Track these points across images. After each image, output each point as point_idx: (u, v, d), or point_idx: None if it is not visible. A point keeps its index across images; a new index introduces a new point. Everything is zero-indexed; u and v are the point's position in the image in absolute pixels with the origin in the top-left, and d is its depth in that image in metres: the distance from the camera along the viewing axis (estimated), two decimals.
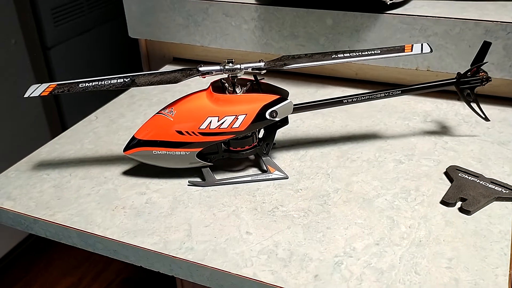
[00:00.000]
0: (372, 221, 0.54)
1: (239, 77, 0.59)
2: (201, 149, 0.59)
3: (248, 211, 0.57)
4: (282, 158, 0.66)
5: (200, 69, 0.58)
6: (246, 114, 0.58)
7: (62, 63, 1.85)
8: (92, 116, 0.80)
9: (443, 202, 0.57)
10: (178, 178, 0.63)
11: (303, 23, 0.80)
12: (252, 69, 0.59)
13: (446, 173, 0.61)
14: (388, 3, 0.73)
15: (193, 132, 0.58)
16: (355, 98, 0.62)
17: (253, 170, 0.64)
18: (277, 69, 0.58)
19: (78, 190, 0.62)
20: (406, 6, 0.77)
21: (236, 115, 0.58)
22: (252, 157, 0.66)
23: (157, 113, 0.60)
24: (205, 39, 0.89)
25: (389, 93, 0.63)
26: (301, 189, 0.60)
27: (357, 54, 0.59)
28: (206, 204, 0.58)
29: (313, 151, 0.67)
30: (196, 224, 0.55)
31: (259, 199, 0.59)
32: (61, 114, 1.89)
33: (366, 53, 0.59)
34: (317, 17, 0.79)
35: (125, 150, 0.61)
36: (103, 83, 0.58)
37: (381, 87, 0.81)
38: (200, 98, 0.59)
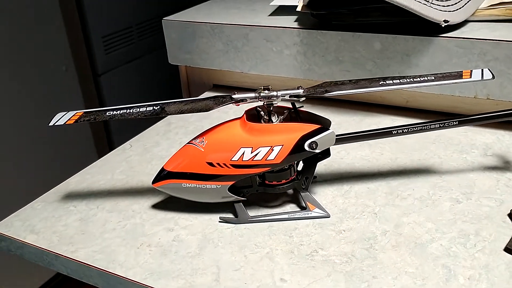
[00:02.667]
0: (425, 270, 0.47)
1: (275, 105, 0.54)
2: (233, 182, 0.54)
3: (283, 253, 0.51)
4: (323, 194, 0.60)
5: (234, 96, 0.54)
6: (283, 145, 0.53)
7: (111, 90, 1.87)
8: (126, 144, 0.77)
9: (508, 250, 0.49)
10: (209, 213, 0.58)
11: (348, 47, 0.75)
12: (290, 97, 0.54)
13: (510, 215, 0.54)
14: (443, 25, 0.67)
15: (224, 164, 0.54)
16: (406, 129, 0.56)
17: (290, 207, 0.58)
18: (317, 96, 0.53)
19: (104, 224, 0.58)
20: (462, 29, 0.71)
21: (271, 146, 0.53)
22: (290, 192, 0.60)
23: (188, 143, 0.56)
24: (245, 65, 0.85)
25: (444, 124, 0.56)
26: (344, 230, 0.54)
27: (408, 80, 0.53)
28: (237, 244, 0.53)
29: (359, 187, 0.61)
30: (226, 267, 0.50)
31: (296, 240, 0.53)
32: (110, 143, 1.91)
33: (419, 79, 0.53)
34: (364, 41, 0.74)
35: (153, 182, 0.57)
36: (131, 111, 0.54)
37: (434, 116, 0.75)
38: (233, 128, 0.54)
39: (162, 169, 0.56)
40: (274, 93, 0.53)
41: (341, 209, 0.57)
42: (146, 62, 1.99)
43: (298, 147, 0.53)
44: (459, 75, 0.54)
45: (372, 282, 0.47)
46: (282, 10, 0.87)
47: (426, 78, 0.53)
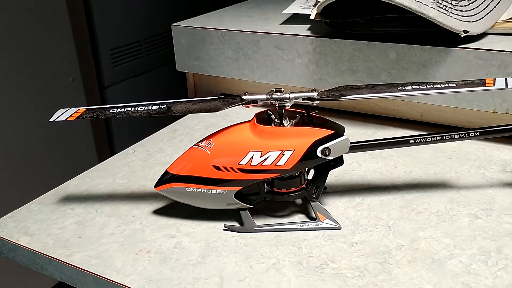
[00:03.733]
0: (444, 287, 0.44)
1: (287, 108, 0.51)
2: (240, 188, 0.52)
3: (291, 265, 0.48)
4: (334, 205, 0.57)
5: (244, 97, 0.51)
6: (294, 150, 0.50)
7: (117, 102, 1.86)
8: (129, 149, 0.74)
9: None
10: (213, 220, 0.55)
11: (363, 57, 0.73)
12: (303, 100, 0.51)
13: None
14: (462, 35, 0.65)
15: (232, 168, 0.51)
16: (424, 138, 0.53)
17: (299, 217, 0.55)
18: (332, 99, 0.50)
19: (102, 229, 0.55)
20: (482, 41, 0.68)
21: (282, 151, 0.50)
22: (299, 201, 0.57)
23: (194, 145, 0.54)
24: (254, 74, 0.83)
25: (464, 135, 0.53)
26: (356, 243, 0.50)
27: (428, 86, 0.51)
28: (242, 253, 0.50)
29: (372, 199, 0.58)
30: (229, 277, 0.47)
31: (305, 252, 0.50)
32: (112, 148, 1.88)
33: (439, 86, 0.51)
34: (379, 50, 0.71)
35: (156, 185, 0.54)
36: (135, 109, 0.51)
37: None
38: (242, 130, 0.52)
39: (166, 172, 0.53)
40: (287, 95, 0.51)
41: (353, 221, 0.54)
42: (152, 76, 1.97)
43: (310, 153, 0.50)
44: (482, 83, 0.51)
45: None
46: (295, 19, 0.85)
47: (447, 85, 0.51)
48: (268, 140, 0.50)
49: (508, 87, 0.50)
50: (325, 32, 0.76)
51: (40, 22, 1.55)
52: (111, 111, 0.52)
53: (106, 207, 0.59)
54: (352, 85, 0.53)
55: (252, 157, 0.50)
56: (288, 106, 0.51)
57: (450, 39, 0.67)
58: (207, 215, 0.55)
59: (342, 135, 0.51)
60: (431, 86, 0.51)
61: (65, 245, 0.52)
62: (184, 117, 0.84)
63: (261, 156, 0.50)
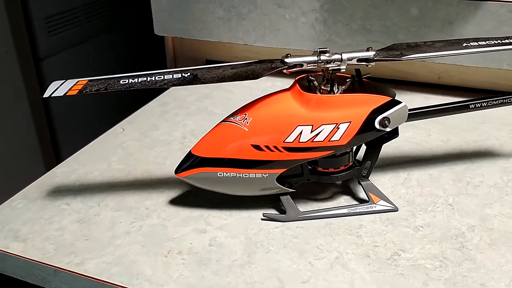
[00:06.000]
0: None
1: (342, 71, 0.43)
2: (284, 170, 0.43)
3: (357, 258, 0.41)
4: (379, 183, 0.50)
5: (287, 60, 0.42)
6: (350, 122, 0.42)
7: (55, 76, 1.69)
8: (117, 127, 0.63)
9: None
10: (245, 209, 0.46)
11: (379, 14, 0.65)
12: (357, 61, 0.43)
13: None
14: None
15: (275, 147, 0.42)
16: (484, 102, 0.47)
17: (345, 199, 0.48)
18: (391, 59, 0.43)
19: (112, 227, 0.45)
20: None
21: (337, 124, 0.42)
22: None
23: (224, 121, 0.44)
24: (249, 36, 0.74)
25: None
26: (421, 227, 0.44)
27: (495, 42, 0.44)
28: (294, 247, 0.42)
29: (418, 173, 0.51)
30: (289, 278, 0.39)
31: (367, 241, 0.42)
32: (52, 133, 1.72)
33: (507, 41, 0.44)
34: (399, 6, 0.64)
35: (178, 171, 0.44)
36: (153, 79, 0.41)
37: (473, 94, 0.66)
38: (285, 101, 0.43)
39: (190, 155, 0.44)
40: (338, 56, 0.42)
41: (407, 200, 0.47)
42: (94, 46, 1.81)
43: (367, 125, 0.43)
44: None
45: None
46: None
47: None
48: (319, 112, 0.42)
49: None
50: None
51: None
52: (121, 81, 0.41)
53: (109, 199, 0.49)
54: (407, 43, 0.45)
55: (300, 132, 0.42)
56: (343, 69, 0.42)
57: None
58: (235, 202, 0.47)
59: (400, 102, 0.44)
60: (498, 42, 0.44)
61: (71, 251, 0.42)
62: (170, 88, 0.74)
63: (311, 131, 0.42)
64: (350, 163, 0.46)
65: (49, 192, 0.50)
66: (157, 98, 0.71)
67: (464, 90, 0.68)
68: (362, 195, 0.48)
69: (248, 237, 0.43)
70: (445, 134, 0.58)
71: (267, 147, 0.42)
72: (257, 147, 0.42)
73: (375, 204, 0.46)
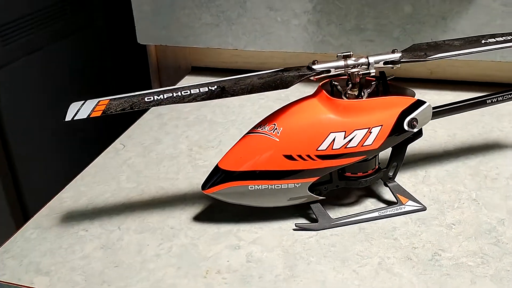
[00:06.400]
0: None
1: (371, 74, 0.42)
2: (316, 178, 0.43)
3: (400, 262, 0.40)
4: (400, 183, 0.49)
5: (314, 67, 0.42)
6: (382, 126, 0.42)
7: (12, 86, 1.61)
8: (117, 143, 0.61)
9: None
10: (273, 220, 0.46)
11: (373, 12, 0.65)
12: (384, 64, 0.43)
13: None
14: None
15: (308, 156, 0.41)
16: (500, 97, 0.48)
17: (370, 202, 0.48)
18: (417, 61, 0.43)
19: (140, 251, 0.43)
20: None
21: (369, 128, 0.42)
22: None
23: (251, 132, 0.43)
24: (240, 41, 0.72)
25: None
26: (453, 224, 0.44)
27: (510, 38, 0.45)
28: (335, 256, 0.41)
29: (435, 170, 0.52)
30: None
31: (405, 243, 0.42)
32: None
33: None
34: (393, 4, 0.64)
35: (206, 187, 0.43)
36: (179, 94, 0.40)
37: (467, 87, 0.68)
38: (315, 108, 0.42)
39: (218, 169, 0.43)
40: (364, 60, 0.42)
41: (432, 198, 0.48)
42: (49, 54, 1.74)
43: (397, 127, 0.42)
44: None
45: None
46: None
47: None
48: (351, 117, 0.41)
49: None
50: None
51: None
52: (146, 99, 0.39)
53: (129, 221, 0.47)
54: (427, 43, 0.45)
55: (334, 139, 0.41)
56: (373, 73, 0.42)
57: None
58: (262, 214, 0.46)
59: (424, 101, 0.44)
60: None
61: (103, 280, 0.40)
62: None
63: (345, 137, 0.41)
64: (377, 166, 0.46)
65: (62, 219, 0.47)
66: (151, 110, 0.68)
67: (457, 83, 0.69)
68: (387, 196, 0.48)
69: (284, 249, 0.42)
70: (450, 128, 0.59)
71: (300, 156, 0.41)
72: (290, 157, 0.41)
73: (404, 205, 0.46)
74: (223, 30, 0.72)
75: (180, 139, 0.61)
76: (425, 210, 0.46)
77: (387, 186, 0.46)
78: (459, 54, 0.43)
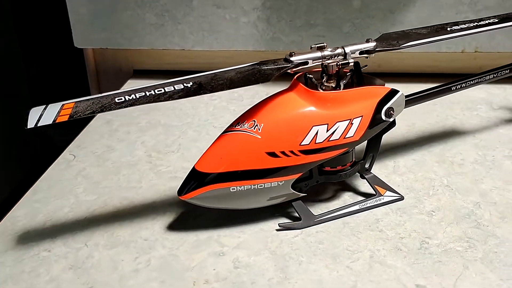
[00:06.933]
0: None
1: (350, 65, 0.41)
2: (300, 174, 0.41)
3: (391, 253, 0.40)
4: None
5: (293, 59, 0.40)
6: (362, 116, 0.41)
7: None
8: (66, 154, 0.56)
9: None
10: (252, 222, 0.43)
11: (322, 8, 0.65)
12: (360, 53, 0.42)
13: None
14: None
15: (292, 152, 0.40)
16: (463, 83, 0.49)
17: (348, 195, 0.47)
18: (391, 49, 0.42)
19: (116, 267, 0.39)
20: None
21: (351, 119, 0.41)
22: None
23: (228, 131, 0.41)
24: (187, 41, 0.70)
25: (497, 74, 0.50)
26: (433, 211, 0.44)
27: (474, 25, 0.46)
28: (324, 254, 0.40)
29: (403, 160, 0.52)
30: (335, 287, 0.37)
31: (391, 234, 0.42)
32: None
33: (483, 23, 0.46)
34: None
35: (183, 193, 0.40)
36: (153, 93, 0.37)
37: (412, 78, 0.69)
38: (294, 102, 0.41)
39: (195, 172, 0.40)
40: (340, 50, 0.41)
41: (407, 187, 0.48)
42: None
43: (376, 117, 0.42)
44: None
45: None
46: None
47: (489, 21, 0.46)
48: (332, 109, 0.40)
49: None
50: None
51: None
52: (117, 99, 0.36)
53: (95, 236, 0.43)
54: (395, 32, 0.45)
55: (316, 133, 0.40)
56: (351, 63, 0.41)
57: None
58: (239, 217, 0.43)
59: (398, 90, 0.44)
60: (476, 24, 0.46)
61: None
62: None
63: (327, 130, 0.40)
64: (354, 159, 0.45)
65: (19, 240, 0.43)
66: (97, 116, 0.64)
67: (404, 75, 0.71)
68: (363, 188, 0.47)
69: (272, 251, 0.40)
70: (407, 119, 0.60)
71: (283, 152, 0.40)
72: (273, 154, 0.40)
73: (382, 196, 0.45)
74: (169, 30, 0.69)
75: (135, 146, 0.57)
76: (403, 199, 0.46)
77: (364, 178, 0.46)
78: (430, 42, 0.44)
